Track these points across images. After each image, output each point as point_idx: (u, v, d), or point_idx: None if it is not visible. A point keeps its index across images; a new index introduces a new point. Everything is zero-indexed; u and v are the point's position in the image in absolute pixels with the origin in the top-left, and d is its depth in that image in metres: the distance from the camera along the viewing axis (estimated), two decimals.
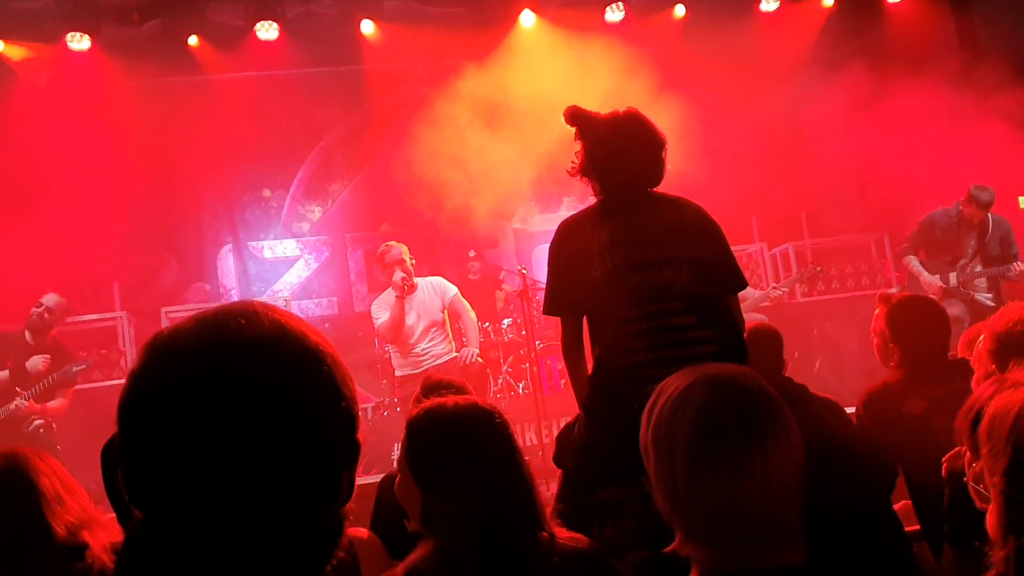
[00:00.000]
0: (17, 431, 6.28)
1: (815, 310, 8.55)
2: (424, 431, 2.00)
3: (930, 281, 7.12)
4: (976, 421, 1.69)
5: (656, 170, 3.03)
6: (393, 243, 6.55)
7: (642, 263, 2.86)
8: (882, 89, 8.23)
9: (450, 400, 2.05)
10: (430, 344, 6.43)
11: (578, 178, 3.09)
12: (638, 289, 2.84)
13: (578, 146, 3.07)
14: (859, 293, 8.77)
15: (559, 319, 3.06)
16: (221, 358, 0.97)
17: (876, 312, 3.33)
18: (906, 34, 9.32)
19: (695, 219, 2.99)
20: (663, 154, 3.03)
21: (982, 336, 2.60)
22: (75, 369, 6.66)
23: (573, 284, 2.94)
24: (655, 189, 3.07)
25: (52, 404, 6.56)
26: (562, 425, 3.10)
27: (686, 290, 2.85)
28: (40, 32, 8.11)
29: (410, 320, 6.36)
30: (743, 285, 3.03)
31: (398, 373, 6.55)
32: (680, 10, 9.31)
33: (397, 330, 6.33)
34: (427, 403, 2.04)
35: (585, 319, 3.01)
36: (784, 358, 3.74)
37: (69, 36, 8.11)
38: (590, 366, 2.98)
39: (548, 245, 3.11)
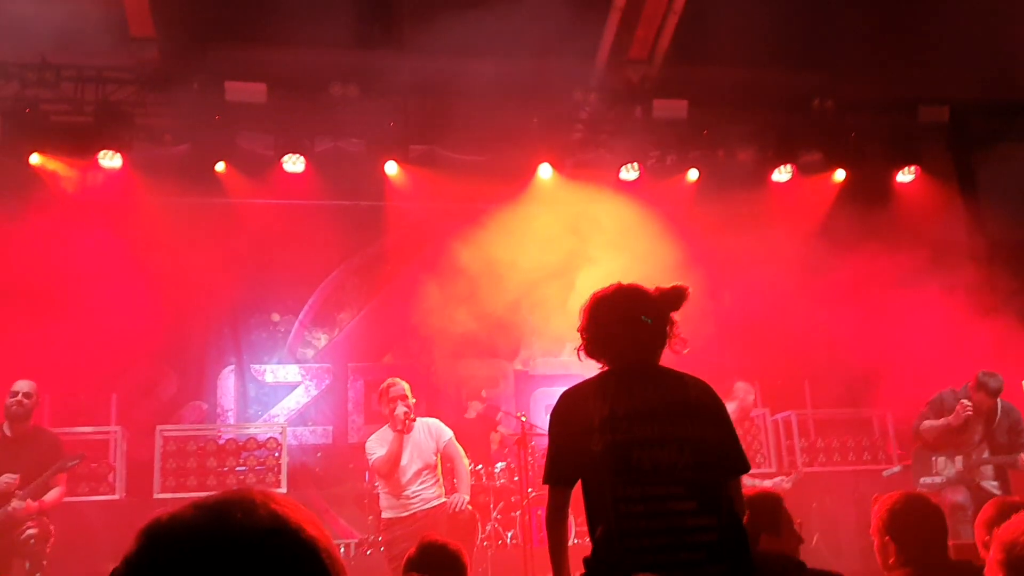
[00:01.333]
0: (11, 538, 6.16)
1: (815, 483, 8.42)
2: None
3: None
4: None
5: (654, 340, 3.02)
6: (398, 379, 6.56)
7: (644, 440, 2.81)
8: (888, 266, 8.36)
9: None
10: (421, 487, 6.33)
11: (584, 355, 3.08)
12: (639, 467, 2.78)
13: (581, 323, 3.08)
14: (860, 468, 8.66)
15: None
16: (216, 551, 0.99)
17: (872, 511, 3.31)
18: (914, 213, 9.53)
19: (699, 397, 2.96)
20: (665, 325, 3.02)
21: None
22: (69, 464, 6.57)
23: (572, 456, 2.91)
24: (661, 362, 3.06)
25: (48, 497, 6.42)
26: None
27: (688, 472, 2.79)
28: (75, 147, 8.36)
29: (403, 460, 6.30)
30: (746, 468, 2.98)
31: (385, 515, 6.41)
32: (693, 174, 9.56)
33: (393, 465, 6.26)
34: None
35: (581, 487, 2.96)
36: (781, 524, 3.70)
37: (102, 153, 8.36)
38: (573, 534, 2.94)
39: (548, 388, 3.13)
